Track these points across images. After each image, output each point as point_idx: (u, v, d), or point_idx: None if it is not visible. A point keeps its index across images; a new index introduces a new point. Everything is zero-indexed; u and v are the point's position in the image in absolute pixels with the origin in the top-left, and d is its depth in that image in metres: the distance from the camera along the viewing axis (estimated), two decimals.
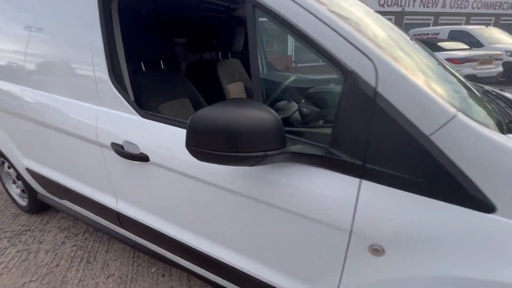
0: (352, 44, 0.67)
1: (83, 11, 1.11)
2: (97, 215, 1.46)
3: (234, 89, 2.23)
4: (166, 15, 1.88)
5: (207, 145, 0.65)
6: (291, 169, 0.77)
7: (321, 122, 0.97)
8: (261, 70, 2.49)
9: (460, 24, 12.47)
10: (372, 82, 0.65)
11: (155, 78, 1.53)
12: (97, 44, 1.09)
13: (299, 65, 10.44)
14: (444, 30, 8.49)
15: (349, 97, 0.67)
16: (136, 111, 1.08)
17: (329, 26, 0.68)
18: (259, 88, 0.78)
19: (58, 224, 2.00)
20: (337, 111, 0.71)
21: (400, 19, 11.65)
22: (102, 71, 1.11)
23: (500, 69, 6.25)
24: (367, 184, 0.69)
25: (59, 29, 1.21)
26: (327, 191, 0.73)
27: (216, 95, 2.05)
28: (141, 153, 1.04)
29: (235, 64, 2.29)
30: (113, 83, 1.10)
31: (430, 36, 9.02)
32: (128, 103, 1.10)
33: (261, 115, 0.65)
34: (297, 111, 1.25)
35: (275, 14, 0.74)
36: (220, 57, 2.19)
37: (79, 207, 1.54)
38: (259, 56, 2.60)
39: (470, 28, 7.78)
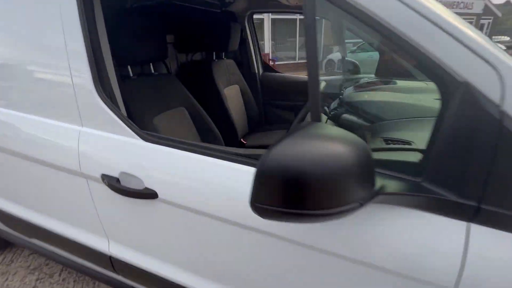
0: (466, 46, 0.49)
1: (53, 2, 0.83)
2: (81, 258, 1.17)
3: (231, 93, 2.00)
4: (153, 7, 1.60)
5: (283, 200, 0.44)
6: (370, 212, 0.58)
7: (398, 145, 0.79)
8: (256, 71, 2.28)
9: None
10: (495, 97, 0.48)
11: (146, 85, 1.26)
12: (75, 44, 0.82)
13: (276, 63, 10.35)
14: None
15: (458, 116, 0.50)
16: (135, 132, 0.83)
17: (435, 23, 0.50)
18: (318, 104, 0.58)
19: (26, 263, 1.64)
20: (435, 134, 0.53)
21: None
22: (84, 79, 0.84)
23: None
24: (480, 230, 0.52)
25: (21, 27, 0.91)
26: (420, 238, 0.55)
27: (214, 101, 1.81)
28: (146, 188, 0.80)
29: (230, 66, 2.06)
30: (99, 95, 0.84)
31: None
32: (122, 120, 0.84)
33: (353, 150, 0.45)
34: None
35: (349, 5, 0.54)
36: (214, 58, 1.95)
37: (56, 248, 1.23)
38: (257, 58, 2.40)
39: None
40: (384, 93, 1.30)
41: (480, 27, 16.08)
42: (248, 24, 2.16)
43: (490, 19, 16.75)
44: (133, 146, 0.82)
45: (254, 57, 2.29)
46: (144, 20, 1.16)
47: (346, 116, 1.02)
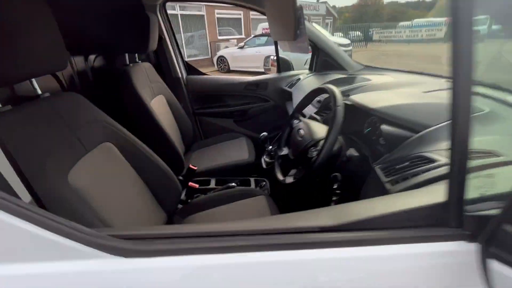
0: None
1: None
2: None
3: (157, 107, 1.53)
4: None
5: None
6: None
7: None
8: (179, 75, 1.86)
9: None
10: None
11: (33, 117, 0.73)
12: None
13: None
14: None
15: None
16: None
17: None
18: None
19: None
20: None
21: (246, 14, 12.76)
22: None
23: None
24: None
25: None
26: None
27: (141, 120, 1.32)
28: None
29: (150, 71, 1.56)
30: None
31: None
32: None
33: None
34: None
35: None
36: (128, 62, 1.41)
37: None
38: (177, 58, 1.93)
39: None
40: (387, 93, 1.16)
41: (325, 26, 19.88)
42: (161, 16, 1.69)
43: (331, 19, 21.08)
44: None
45: (174, 57, 1.84)
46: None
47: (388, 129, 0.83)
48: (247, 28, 13.03)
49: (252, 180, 1.49)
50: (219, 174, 1.51)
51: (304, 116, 1.18)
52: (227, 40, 11.28)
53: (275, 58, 2.30)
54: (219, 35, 11.38)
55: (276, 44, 1.96)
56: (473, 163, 0.59)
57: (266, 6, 1.62)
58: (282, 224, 0.49)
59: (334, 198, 0.83)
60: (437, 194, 0.51)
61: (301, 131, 0.93)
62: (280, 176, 0.98)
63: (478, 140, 0.69)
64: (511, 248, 0.39)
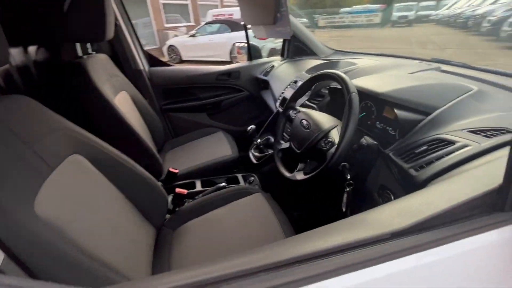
0: None
1: None
2: None
3: (122, 105, 1.32)
4: None
5: None
6: None
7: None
8: (141, 67, 1.64)
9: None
10: None
11: None
12: None
13: None
14: (236, 10, 9.73)
15: None
16: None
17: None
18: None
19: None
20: None
21: (194, 1, 12.09)
22: None
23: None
24: None
25: None
26: None
27: (107, 122, 1.11)
28: None
29: (107, 64, 1.32)
30: None
31: (227, 16, 10.08)
32: None
33: None
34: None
35: None
36: (80, 54, 1.16)
37: None
38: (137, 48, 1.68)
39: None
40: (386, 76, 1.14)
41: None
42: None
43: None
44: None
45: (133, 47, 1.60)
46: None
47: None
48: (196, 14, 12.38)
49: (239, 176, 1.40)
50: (202, 175, 1.38)
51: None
52: (176, 28, 10.57)
53: (241, 45, 2.18)
54: (166, 23, 10.59)
55: (246, 30, 1.85)
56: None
57: None
58: (328, 241, 0.41)
59: (347, 189, 0.79)
60: (483, 179, 0.50)
61: (304, 122, 0.86)
62: (286, 173, 0.91)
63: (485, 118, 0.72)
64: None
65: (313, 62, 1.57)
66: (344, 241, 0.39)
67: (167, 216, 1.10)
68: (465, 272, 0.42)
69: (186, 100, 1.85)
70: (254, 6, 1.37)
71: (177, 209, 1.13)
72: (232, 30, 7.49)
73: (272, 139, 1.39)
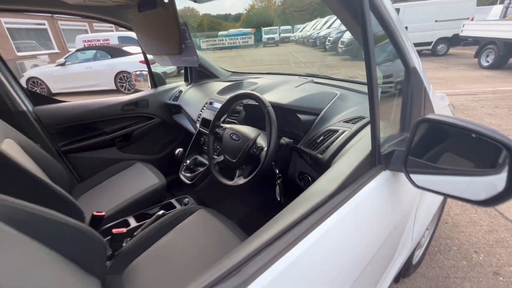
0: None
1: None
2: None
3: (12, 152, 1.11)
4: None
5: None
6: None
7: None
8: (24, 107, 1.42)
9: (112, 30, 13.81)
10: None
11: None
12: None
13: None
14: (113, 36, 9.06)
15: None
16: None
17: None
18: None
19: None
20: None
21: (54, 24, 10.42)
22: None
23: (175, 67, 8.15)
24: None
25: None
26: None
27: (13, 177, 0.94)
28: None
29: None
30: None
31: (102, 42, 9.21)
32: None
33: None
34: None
35: None
36: None
37: None
38: (13, 85, 1.38)
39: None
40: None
41: None
42: None
43: None
44: None
45: (8, 85, 1.34)
46: None
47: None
48: (58, 41, 10.66)
49: (174, 201, 1.41)
50: (133, 211, 1.31)
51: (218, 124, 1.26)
52: (34, 56, 8.77)
53: (138, 72, 2.17)
54: (18, 51, 8.64)
55: (146, 58, 1.86)
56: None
57: (133, 21, 1.52)
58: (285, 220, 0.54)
59: (278, 182, 1.00)
60: (361, 149, 0.79)
61: (234, 136, 1.02)
62: (227, 181, 1.03)
63: (349, 112, 1.08)
64: (410, 164, 0.70)
65: (219, 84, 1.77)
66: (288, 221, 0.55)
67: (108, 263, 1.01)
68: (366, 214, 0.67)
69: (89, 137, 1.67)
70: (156, 38, 1.45)
71: (116, 252, 1.05)
72: (112, 56, 6.94)
73: (199, 158, 1.48)
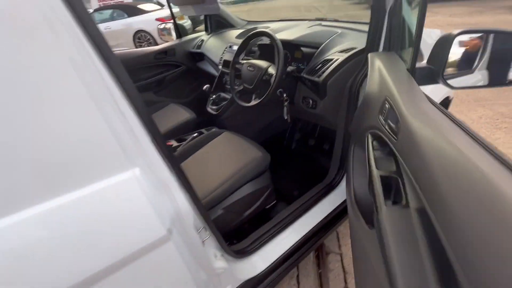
0: None
1: None
2: None
3: None
4: None
5: None
6: None
7: None
8: None
9: None
10: None
11: None
12: None
13: None
14: None
15: None
16: None
17: None
18: None
19: None
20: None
21: None
22: None
23: (190, 21, 8.05)
24: None
25: None
26: None
27: None
28: None
29: None
30: None
31: (116, 0, 9.15)
32: None
33: None
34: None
35: None
36: None
37: None
38: None
39: None
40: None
41: None
42: None
43: None
44: None
45: None
46: None
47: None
48: None
49: (204, 131, 1.76)
50: (173, 136, 1.67)
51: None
52: None
53: (162, 27, 2.39)
54: None
55: (170, 9, 2.08)
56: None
57: None
58: None
59: (285, 104, 1.29)
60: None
61: (250, 68, 1.29)
62: (246, 104, 1.33)
63: (345, 45, 1.29)
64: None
65: (237, 32, 1.98)
66: None
67: None
68: None
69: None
70: None
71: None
72: (129, 15, 7.01)
73: (222, 94, 1.78)
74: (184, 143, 1.54)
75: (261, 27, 1.87)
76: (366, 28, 1.48)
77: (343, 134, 1.38)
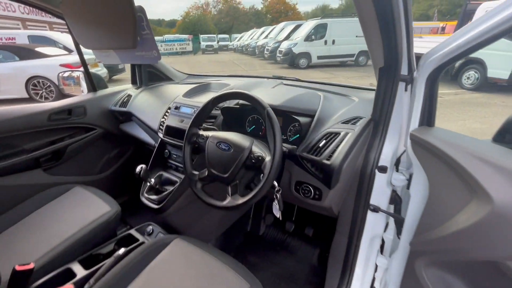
0: None
1: None
2: None
3: None
4: None
5: None
6: None
7: None
8: None
9: (18, 27, 11.68)
10: None
11: None
12: None
13: None
14: (20, 34, 7.54)
15: None
16: None
17: None
18: None
19: None
20: None
21: None
22: None
23: (105, 70, 7.18)
24: None
25: None
26: None
27: None
28: None
29: None
30: None
31: (5, 41, 7.57)
32: None
33: None
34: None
35: None
36: None
37: None
38: None
39: (50, 33, 7.75)
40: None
41: None
42: None
43: None
44: None
45: None
46: None
47: None
48: None
49: (133, 232, 1.12)
50: (75, 255, 0.97)
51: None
52: None
53: (66, 75, 1.76)
54: None
55: (80, 54, 1.49)
56: None
57: (62, 3, 1.17)
58: None
59: (277, 195, 0.85)
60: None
61: (223, 146, 0.83)
62: (217, 202, 0.82)
63: (342, 112, 1.00)
64: None
65: (179, 87, 1.52)
66: None
67: None
68: None
69: (0, 158, 1.22)
70: (99, 28, 1.14)
71: None
72: (22, 58, 5.73)
73: (165, 175, 1.21)
74: (99, 272, 0.87)
75: (215, 82, 1.48)
76: (341, 90, 1.30)
77: (349, 228, 1.01)
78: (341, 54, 10.48)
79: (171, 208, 1.11)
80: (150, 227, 1.16)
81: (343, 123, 0.91)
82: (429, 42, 7.74)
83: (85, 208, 1.12)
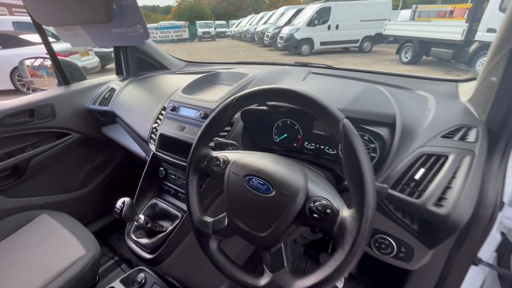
0: None
1: None
2: None
3: None
4: None
5: None
6: None
7: None
8: None
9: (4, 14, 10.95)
10: None
11: None
12: None
13: None
14: (4, 21, 7.03)
15: None
16: None
17: None
18: None
19: None
20: None
21: None
22: None
23: (97, 59, 6.74)
24: None
25: None
26: None
27: None
28: None
29: None
30: None
31: None
32: None
33: None
34: None
35: None
36: None
37: None
38: None
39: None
40: None
41: None
42: None
43: None
44: None
45: None
46: None
47: None
48: None
49: (118, 285, 0.80)
50: None
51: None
52: None
53: (36, 63, 1.41)
54: None
55: (44, 36, 1.12)
56: None
57: None
58: None
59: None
60: None
61: (258, 182, 0.49)
62: (251, 280, 0.48)
63: (433, 119, 0.66)
64: None
65: (176, 78, 1.17)
66: None
67: None
68: None
69: None
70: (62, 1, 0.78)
71: None
72: (4, 47, 5.33)
73: (160, 204, 0.87)
74: None
75: (227, 71, 1.11)
76: (396, 81, 0.95)
77: (433, 285, 0.69)
78: (345, 40, 9.94)
79: (170, 257, 0.78)
80: (142, 275, 0.84)
81: (443, 137, 0.57)
82: (439, 26, 7.31)
83: (52, 250, 0.80)
